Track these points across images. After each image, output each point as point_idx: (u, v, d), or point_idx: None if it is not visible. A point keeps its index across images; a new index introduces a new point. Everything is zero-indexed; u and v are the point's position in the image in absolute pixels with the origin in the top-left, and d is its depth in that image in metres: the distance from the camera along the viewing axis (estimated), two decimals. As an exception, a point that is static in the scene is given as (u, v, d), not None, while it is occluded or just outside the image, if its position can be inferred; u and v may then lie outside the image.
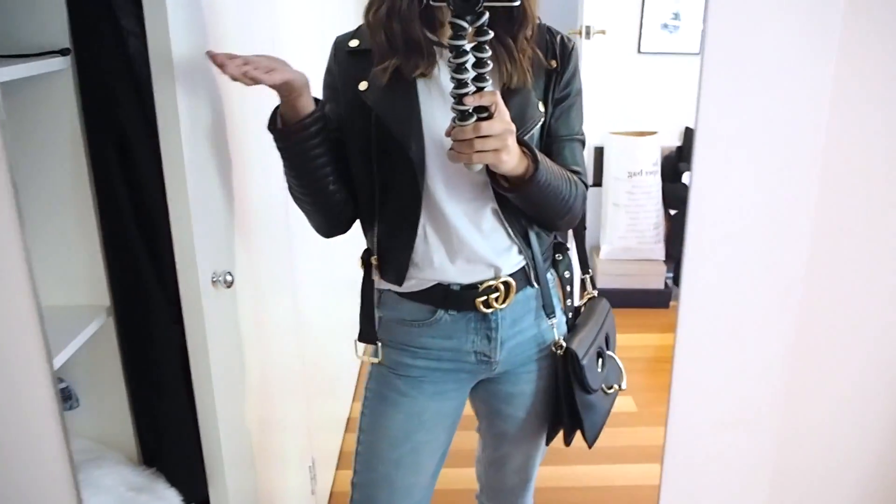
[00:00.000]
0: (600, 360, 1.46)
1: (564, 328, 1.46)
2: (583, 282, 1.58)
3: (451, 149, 1.15)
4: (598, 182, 3.81)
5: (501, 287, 1.34)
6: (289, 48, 1.86)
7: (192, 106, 1.23)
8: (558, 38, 1.33)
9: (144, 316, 1.33)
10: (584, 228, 1.53)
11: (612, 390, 1.50)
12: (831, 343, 1.26)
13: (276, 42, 1.79)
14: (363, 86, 1.26)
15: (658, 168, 3.73)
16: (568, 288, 1.47)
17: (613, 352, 1.53)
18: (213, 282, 1.32)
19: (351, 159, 1.33)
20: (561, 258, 1.45)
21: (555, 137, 1.35)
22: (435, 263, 1.32)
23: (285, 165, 1.31)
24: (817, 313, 1.21)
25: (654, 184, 3.73)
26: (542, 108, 1.30)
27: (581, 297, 1.58)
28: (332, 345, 2.33)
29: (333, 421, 2.60)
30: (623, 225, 3.75)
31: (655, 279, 3.80)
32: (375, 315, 1.42)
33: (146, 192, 1.25)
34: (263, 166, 1.58)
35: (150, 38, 1.14)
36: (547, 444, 1.52)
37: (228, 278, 1.34)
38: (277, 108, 1.26)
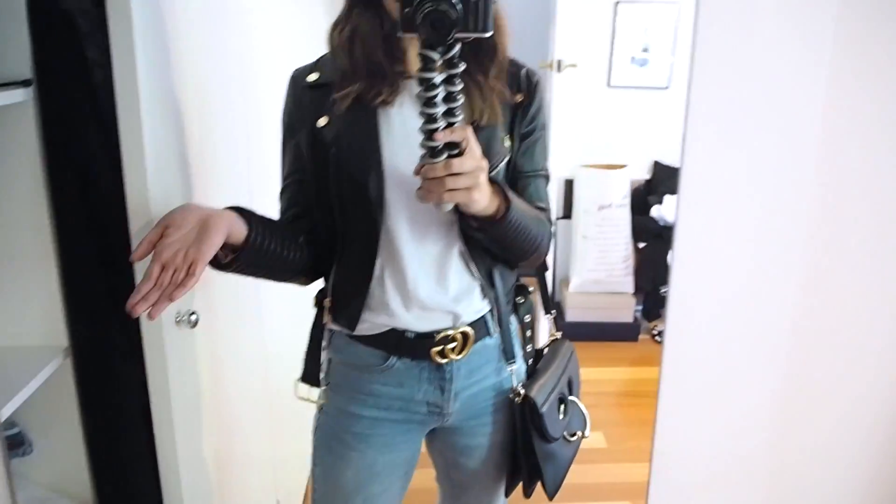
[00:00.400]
0: (562, 406, 1.39)
1: (523, 375, 1.40)
2: (546, 323, 1.54)
3: (419, 188, 1.08)
4: (567, 215, 3.82)
5: (459, 337, 1.28)
6: (259, 78, 1.83)
7: (158, 138, 1.19)
8: (523, 71, 1.28)
9: (104, 356, 1.28)
10: (546, 269, 1.48)
11: (574, 437, 1.43)
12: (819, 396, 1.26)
13: (246, 70, 1.76)
14: (322, 122, 1.21)
15: (628, 201, 3.76)
16: (528, 332, 1.41)
17: (577, 396, 1.47)
18: (178, 322, 1.27)
19: (313, 198, 1.28)
20: (522, 301, 1.39)
21: (520, 173, 1.29)
22: (390, 308, 1.25)
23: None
24: (804, 364, 1.21)
25: (624, 217, 3.75)
26: (508, 142, 1.25)
27: (545, 338, 1.54)
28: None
29: (298, 458, 2.54)
30: (592, 258, 3.76)
31: (625, 312, 3.81)
32: (323, 357, 1.35)
33: (109, 228, 1.20)
34: (230, 201, 1.54)
35: (116, 68, 1.10)
36: (507, 495, 1.47)
37: (193, 318, 1.29)
38: None
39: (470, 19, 0.96)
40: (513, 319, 1.38)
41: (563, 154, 3.46)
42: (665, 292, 3.76)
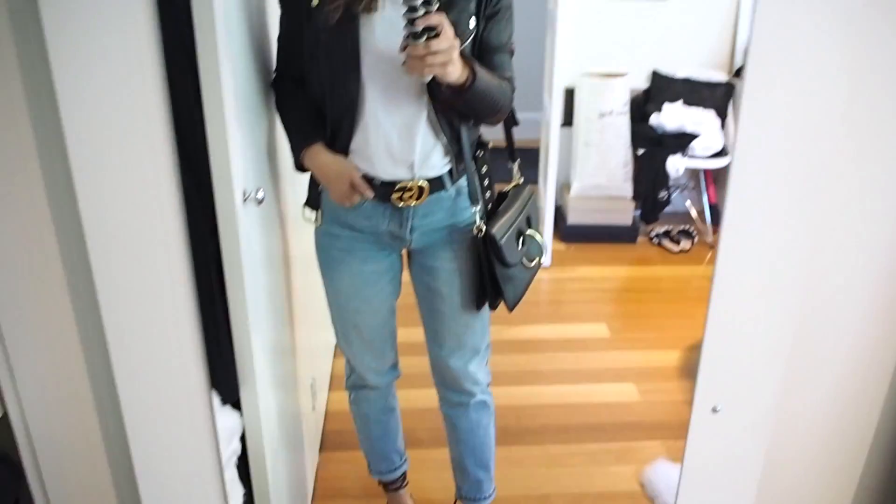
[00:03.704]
0: (521, 238, 1.69)
1: (481, 214, 1.64)
2: (510, 170, 1.81)
3: (404, 62, 1.36)
4: (568, 122, 3.92)
5: (416, 189, 1.58)
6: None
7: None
8: None
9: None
10: (516, 123, 1.73)
11: (532, 263, 1.73)
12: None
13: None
14: (315, 1, 1.43)
15: (627, 108, 3.85)
16: (486, 180, 1.69)
17: (536, 229, 1.76)
18: (245, 199, 1.41)
19: (307, 63, 1.53)
20: (482, 154, 1.67)
21: (486, 48, 1.53)
22: (366, 156, 1.55)
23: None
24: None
25: (624, 124, 3.85)
26: (474, 22, 1.48)
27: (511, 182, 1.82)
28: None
29: (325, 347, 2.72)
30: (593, 163, 3.88)
31: (623, 216, 3.95)
32: (319, 189, 1.67)
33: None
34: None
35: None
36: (477, 308, 1.73)
37: (260, 194, 1.44)
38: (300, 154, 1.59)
39: None
40: (474, 169, 1.65)
41: (564, 63, 3.55)
42: (662, 196, 3.91)
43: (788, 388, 1.52)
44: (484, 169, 1.68)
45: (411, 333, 1.95)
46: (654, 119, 3.89)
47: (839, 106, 1.28)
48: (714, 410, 1.49)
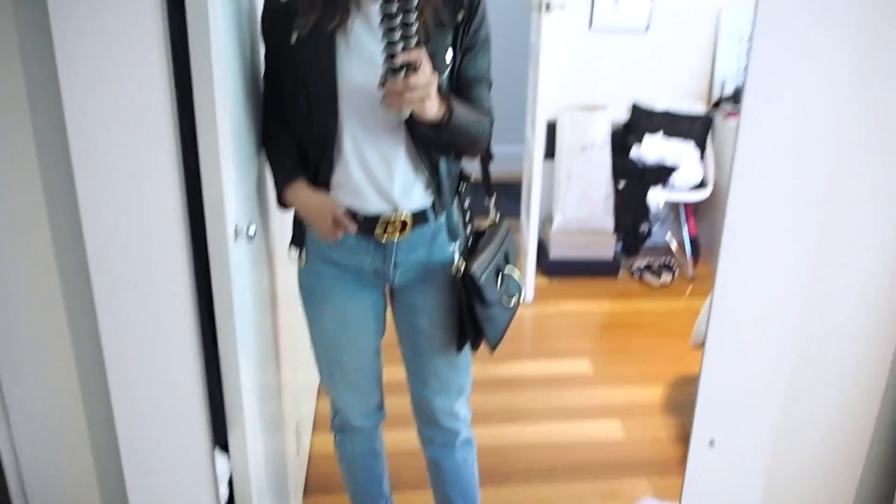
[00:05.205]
0: (500, 276, 1.65)
1: (462, 251, 1.64)
2: (486, 208, 1.77)
3: (383, 98, 1.35)
4: (550, 155, 3.92)
5: (399, 223, 1.55)
6: None
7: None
8: None
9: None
10: (491, 158, 1.71)
11: (512, 302, 1.69)
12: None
13: None
14: (293, 38, 1.44)
15: (608, 141, 3.87)
16: (467, 215, 1.68)
17: (514, 265, 1.72)
18: (237, 235, 1.37)
19: (283, 92, 1.53)
20: (464, 187, 1.66)
21: (464, 80, 1.53)
22: (348, 190, 1.53)
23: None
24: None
25: (605, 157, 3.86)
26: (450, 55, 1.47)
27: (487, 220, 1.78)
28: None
29: (308, 387, 2.66)
30: (575, 196, 3.88)
31: (605, 249, 3.95)
32: (303, 225, 1.63)
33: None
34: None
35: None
36: (458, 350, 1.69)
37: (252, 229, 1.40)
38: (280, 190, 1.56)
39: None
40: (456, 204, 1.64)
41: (547, 96, 3.55)
42: (643, 229, 3.91)
43: (786, 417, 1.50)
44: (466, 203, 1.67)
45: (395, 372, 1.90)
46: (635, 152, 3.91)
47: (838, 130, 1.28)
48: (711, 444, 1.47)
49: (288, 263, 1.72)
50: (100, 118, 1.18)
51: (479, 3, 1.49)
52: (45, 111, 1.25)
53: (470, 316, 1.60)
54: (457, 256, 1.61)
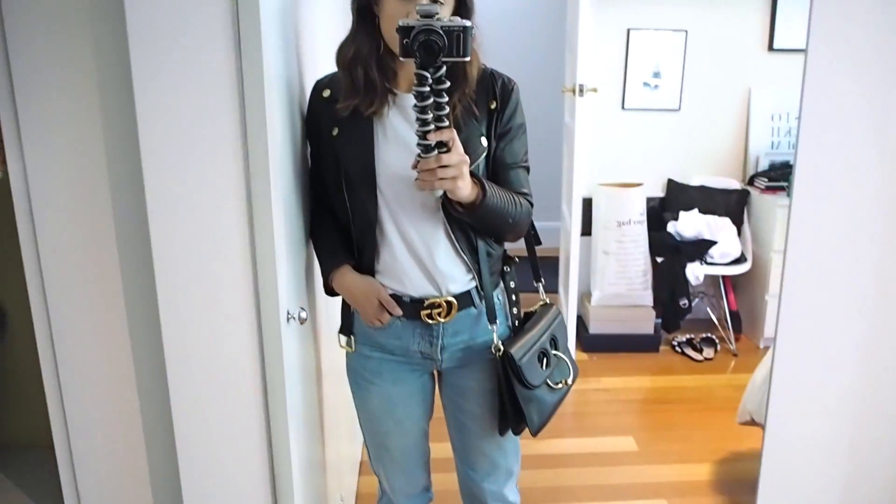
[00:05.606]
0: (545, 359, 1.65)
1: (505, 332, 1.66)
2: (536, 290, 1.79)
3: (416, 178, 1.39)
4: (587, 231, 3.96)
5: (444, 305, 1.57)
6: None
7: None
8: (500, 81, 1.54)
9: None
10: (539, 242, 1.75)
11: (559, 385, 1.68)
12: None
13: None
14: (335, 132, 1.51)
15: (644, 217, 3.90)
16: (513, 297, 1.69)
17: (563, 352, 1.72)
18: (288, 319, 1.42)
19: (328, 184, 1.59)
20: (509, 270, 1.68)
21: (501, 165, 1.56)
22: (392, 274, 1.56)
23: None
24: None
25: (641, 232, 3.89)
26: (485, 142, 1.52)
27: (535, 302, 1.79)
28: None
29: (351, 463, 2.67)
30: (612, 272, 3.90)
31: (645, 324, 3.94)
32: (351, 310, 1.66)
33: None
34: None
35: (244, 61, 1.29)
36: (501, 433, 1.68)
37: (303, 315, 1.45)
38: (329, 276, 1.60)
39: (453, 47, 1.26)
40: (500, 288, 1.65)
41: (582, 174, 3.62)
42: (683, 304, 3.89)
43: (846, 493, 1.48)
44: (512, 284, 1.69)
45: (442, 449, 1.91)
46: (672, 227, 3.94)
47: (889, 202, 1.29)
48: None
49: (330, 337, 1.76)
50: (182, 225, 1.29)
51: (510, 93, 1.54)
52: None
53: (510, 397, 1.59)
54: (495, 337, 1.60)
